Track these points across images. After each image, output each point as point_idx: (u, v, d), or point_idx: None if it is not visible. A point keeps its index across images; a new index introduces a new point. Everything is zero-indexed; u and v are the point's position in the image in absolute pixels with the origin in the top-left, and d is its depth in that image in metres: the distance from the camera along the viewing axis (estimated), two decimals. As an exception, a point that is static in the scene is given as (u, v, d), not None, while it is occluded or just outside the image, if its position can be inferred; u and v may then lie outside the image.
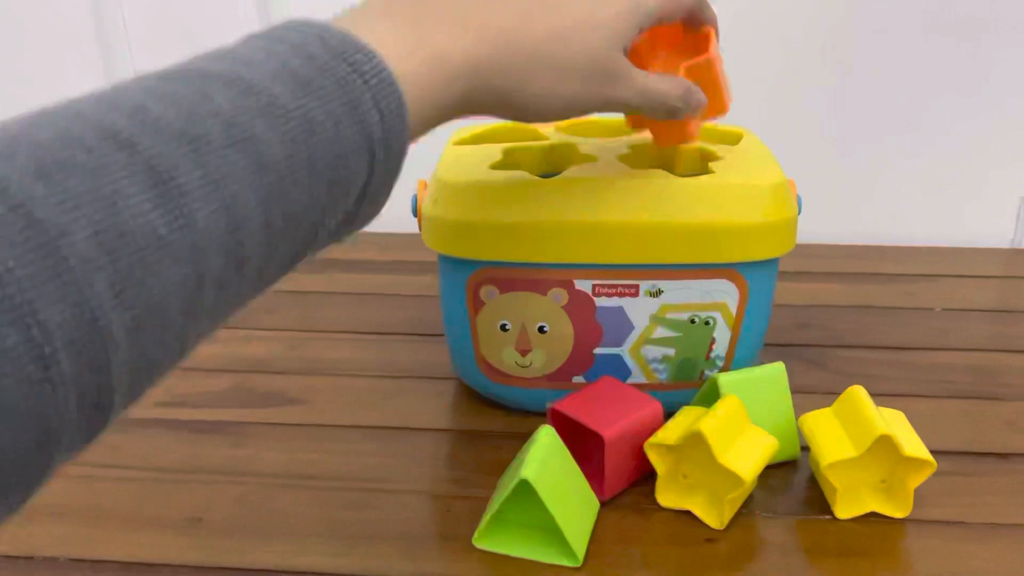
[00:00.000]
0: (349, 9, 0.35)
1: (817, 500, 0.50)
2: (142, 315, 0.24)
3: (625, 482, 0.51)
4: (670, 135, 0.51)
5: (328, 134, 0.29)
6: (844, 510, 0.49)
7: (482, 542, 0.47)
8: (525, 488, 0.44)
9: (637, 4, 0.42)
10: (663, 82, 0.44)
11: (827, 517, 0.49)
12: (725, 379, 0.51)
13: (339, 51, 0.31)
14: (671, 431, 0.49)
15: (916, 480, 0.47)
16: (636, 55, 0.46)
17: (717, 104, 0.49)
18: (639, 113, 0.45)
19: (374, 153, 0.31)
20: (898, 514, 0.48)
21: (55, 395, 0.22)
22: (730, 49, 0.81)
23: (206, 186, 0.26)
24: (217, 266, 0.26)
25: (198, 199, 0.25)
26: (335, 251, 0.91)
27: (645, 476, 0.51)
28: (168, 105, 0.26)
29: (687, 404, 0.56)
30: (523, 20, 0.38)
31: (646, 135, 0.59)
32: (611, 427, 0.48)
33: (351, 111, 0.30)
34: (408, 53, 0.34)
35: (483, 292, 0.53)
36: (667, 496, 0.49)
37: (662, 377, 0.56)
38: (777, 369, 0.53)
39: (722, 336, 0.54)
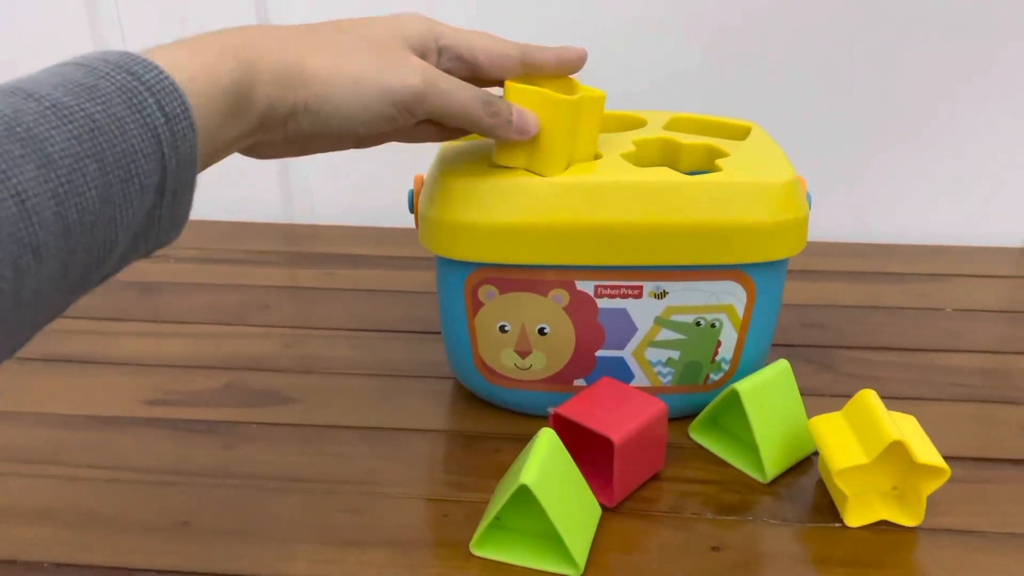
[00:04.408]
0: None
1: (826, 507, 0.48)
2: None
3: (631, 487, 0.49)
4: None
5: (113, 133, 0.31)
6: (854, 518, 0.47)
7: (480, 549, 0.45)
8: (525, 494, 0.42)
9: None
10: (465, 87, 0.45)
11: (837, 525, 0.47)
12: (743, 387, 0.50)
13: (119, 64, 0.32)
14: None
15: (929, 488, 0.46)
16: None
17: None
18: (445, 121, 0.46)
19: (163, 153, 0.33)
20: (910, 522, 0.47)
21: None
22: (741, 40, 0.80)
23: None
24: (10, 254, 0.27)
25: None
26: (330, 245, 0.89)
27: (648, 481, 0.50)
28: None
29: (692, 408, 0.55)
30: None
31: (645, 132, 0.57)
32: (620, 430, 0.47)
33: (134, 113, 0.32)
34: (188, 60, 0.35)
35: (482, 292, 0.52)
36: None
37: (666, 380, 0.54)
38: (783, 367, 0.52)
39: (728, 339, 0.53)
